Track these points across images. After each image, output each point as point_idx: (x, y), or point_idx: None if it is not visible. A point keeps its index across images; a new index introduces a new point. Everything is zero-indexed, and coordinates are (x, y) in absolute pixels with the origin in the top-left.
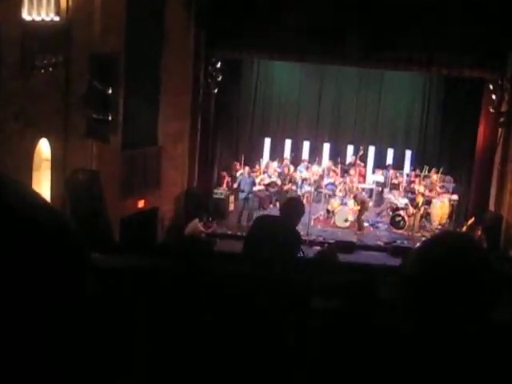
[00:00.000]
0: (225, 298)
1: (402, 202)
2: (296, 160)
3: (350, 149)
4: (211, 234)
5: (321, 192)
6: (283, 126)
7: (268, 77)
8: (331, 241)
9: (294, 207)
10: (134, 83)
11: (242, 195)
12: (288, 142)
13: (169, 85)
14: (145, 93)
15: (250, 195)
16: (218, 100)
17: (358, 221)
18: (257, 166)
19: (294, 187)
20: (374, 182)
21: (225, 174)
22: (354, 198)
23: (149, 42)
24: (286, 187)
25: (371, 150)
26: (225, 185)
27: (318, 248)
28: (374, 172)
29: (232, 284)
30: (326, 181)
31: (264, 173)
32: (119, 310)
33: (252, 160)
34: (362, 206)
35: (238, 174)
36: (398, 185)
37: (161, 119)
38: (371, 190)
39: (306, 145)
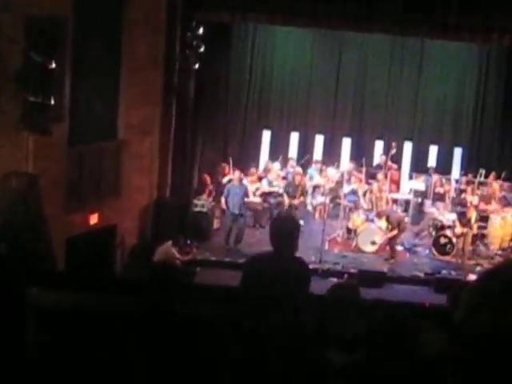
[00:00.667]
0: (204, 353)
1: (448, 217)
2: (305, 161)
3: (379, 145)
4: (189, 262)
5: (339, 204)
6: (288, 115)
7: (267, 48)
8: (352, 270)
9: (284, 231)
10: (85, 56)
11: (228, 214)
12: (294, 136)
13: (133, 59)
14: (100, 69)
15: (242, 210)
16: (200, 78)
17: (390, 244)
18: (252, 170)
19: (302, 198)
20: (411, 191)
21: (207, 178)
22: (387, 218)
23: (105, 2)
24: (295, 201)
25: (407, 147)
26: (207, 194)
27: (335, 280)
28: (411, 177)
29: (215, 332)
30: (345, 189)
31: (261, 179)
32: (63, 367)
33: (245, 161)
34: (398, 226)
35: (225, 180)
36: (444, 195)
37: (122, 104)
38: (407, 202)
39: (319, 140)
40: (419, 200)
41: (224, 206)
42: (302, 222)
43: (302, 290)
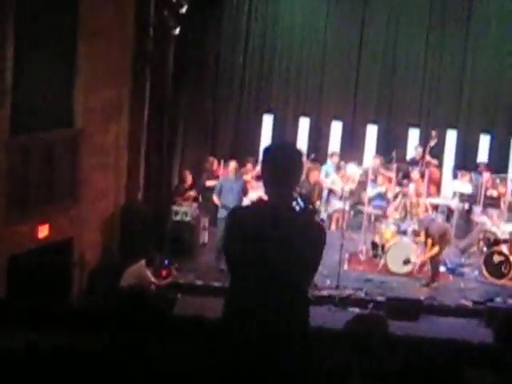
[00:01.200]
0: None
1: (504, 229)
2: (319, 154)
3: (414, 135)
4: (168, 287)
5: (361, 212)
6: (296, 96)
7: (269, 9)
8: (379, 298)
9: (282, 162)
10: (31, 22)
11: (222, 214)
12: (304, 123)
13: (93, 24)
14: (51, 38)
15: None
16: (181, 49)
17: (430, 263)
18: (248, 165)
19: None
20: (455, 195)
21: (188, 176)
22: (425, 230)
23: None
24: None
25: (451, 137)
26: (189, 197)
27: (356, 311)
28: (455, 176)
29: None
30: (370, 191)
31: (259, 178)
32: None
33: (240, 154)
34: (441, 240)
35: (207, 182)
36: (498, 199)
37: (79, 83)
38: (450, 209)
39: (336, 127)
40: (466, 206)
41: (218, 202)
42: None
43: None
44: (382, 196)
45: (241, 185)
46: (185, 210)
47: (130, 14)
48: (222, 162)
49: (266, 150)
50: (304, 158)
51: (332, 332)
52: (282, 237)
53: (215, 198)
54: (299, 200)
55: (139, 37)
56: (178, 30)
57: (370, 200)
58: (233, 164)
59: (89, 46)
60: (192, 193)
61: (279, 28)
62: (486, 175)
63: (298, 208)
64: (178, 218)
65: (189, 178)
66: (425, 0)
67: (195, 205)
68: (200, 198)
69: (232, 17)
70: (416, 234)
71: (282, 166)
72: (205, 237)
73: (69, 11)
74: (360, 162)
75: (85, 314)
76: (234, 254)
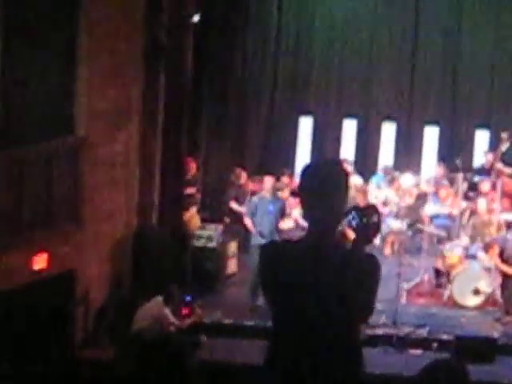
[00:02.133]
0: None
1: None
2: (367, 163)
3: (482, 137)
4: (190, 328)
5: (421, 231)
6: (339, 94)
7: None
8: (445, 337)
9: (323, 183)
10: (24, 13)
11: (256, 240)
12: (350, 125)
13: (96, 13)
14: (48, 31)
15: (277, 237)
16: (203, 40)
17: (503, 293)
18: (283, 178)
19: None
20: None
21: (192, 163)
22: (500, 253)
23: None
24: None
25: None
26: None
27: (418, 353)
28: None
29: None
30: (432, 208)
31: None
32: None
33: (273, 165)
34: None
35: (246, 195)
36: None
37: (81, 83)
38: None
39: (389, 130)
40: None
41: (251, 227)
42: None
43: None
44: (445, 213)
45: (279, 206)
46: (209, 233)
47: (139, 1)
48: (251, 174)
49: (305, 169)
50: (350, 168)
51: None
52: (327, 279)
53: (248, 222)
54: (354, 214)
55: (151, 26)
56: (197, 18)
57: (432, 218)
58: (269, 180)
59: (91, 38)
60: (191, 190)
61: (316, 13)
62: None
63: (354, 223)
64: (201, 243)
65: (192, 167)
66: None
67: (221, 227)
68: (226, 220)
69: (260, 4)
70: (487, 249)
71: (324, 190)
72: (233, 266)
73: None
74: (418, 172)
75: (90, 364)
76: (273, 298)
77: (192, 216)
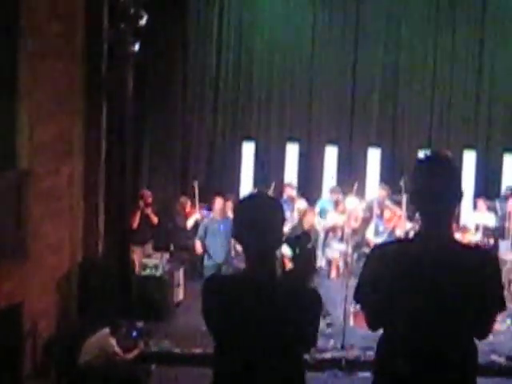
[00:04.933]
0: None
1: None
2: (310, 188)
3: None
4: (138, 359)
5: (366, 253)
6: (280, 118)
7: (244, 18)
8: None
9: (258, 220)
10: None
11: (209, 264)
12: (292, 150)
13: (36, 44)
14: None
15: (229, 258)
16: (142, 68)
17: None
18: (229, 204)
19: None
20: (477, 229)
21: (153, 217)
22: None
23: None
24: None
25: (469, 158)
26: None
27: (367, 376)
28: (475, 206)
29: None
30: (376, 230)
31: None
32: None
33: (217, 190)
34: None
35: (190, 222)
36: None
37: (22, 115)
38: None
39: (331, 153)
40: (491, 241)
41: (199, 250)
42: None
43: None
44: (390, 235)
45: (230, 225)
46: (155, 262)
47: (79, 30)
48: (196, 199)
49: (240, 204)
50: (294, 192)
51: None
52: (267, 316)
53: (197, 245)
54: (287, 245)
55: (92, 56)
56: (137, 46)
57: (377, 240)
58: (219, 202)
59: (32, 70)
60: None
61: (256, 37)
62: None
63: (289, 254)
64: (147, 272)
65: (152, 218)
66: (431, 3)
67: (166, 255)
68: (172, 247)
69: (199, 24)
70: None
71: (259, 225)
72: (180, 294)
73: (6, 27)
74: (362, 195)
75: None
76: (214, 331)
77: None
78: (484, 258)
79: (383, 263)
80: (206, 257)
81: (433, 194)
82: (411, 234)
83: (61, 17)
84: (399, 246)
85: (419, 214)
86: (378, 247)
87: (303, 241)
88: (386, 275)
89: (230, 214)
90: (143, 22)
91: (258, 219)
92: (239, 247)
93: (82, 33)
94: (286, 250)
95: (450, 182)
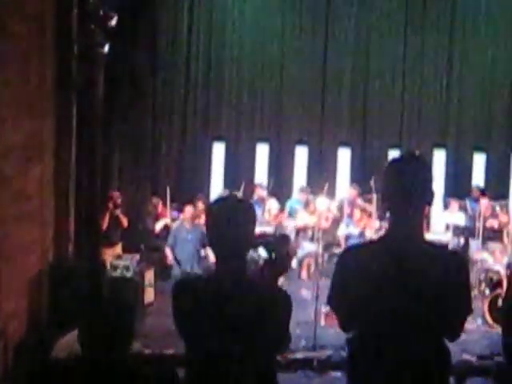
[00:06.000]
0: None
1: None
2: (281, 187)
3: (395, 155)
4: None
5: (337, 255)
6: (250, 118)
7: (214, 15)
8: None
9: (227, 219)
10: None
11: (176, 271)
12: (262, 150)
13: (4, 45)
14: None
15: (197, 266)
16: (113, 68)
17: None
18: (199, 204)
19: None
20: (448, 228)
21: (123, 218)
22: None
23: None
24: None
25: (438, 157)
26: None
27: (338, 375)
28: (446, 206)
29: None
30: (346, 229)
31: None
32: None
33: (187, 191)
34: None
35: (158, 225)
36: (500, 231)
37: None
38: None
39: (302, 153)
40: (462, 241)
41: (171, 261)
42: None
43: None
44: (361, 235)
45: (199, 234)
46: (125, 263)
47: (49, 31)
48: (168, 200)
49: (211, 207)
50: (265, 193)
51: None
52: (236, 320)
53: (167, 252)
54: (262, 249)
55: (62, 57)
56: (107, 48)
57: (347, 239)
58: (189, 210)
59: (1, 71)
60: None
61: (227, 43)
62: (484, 202)
63: (263, 257)
64: (118, 273)
65: (122, 220)
66: (401, 3)
67: (137, 256)
68: (142, 248)
69: (170, 30)
70: None
71: (230, 228)
72: (150, 295)
73: None
74: (332, 194)
75: None
76: (183, 331)
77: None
78: (453, 259)
79: (354, 267)
80: (174, 265)
81: (404, 193)
82: (381, 233)
83: (29, 17)
84: (369, 249)
85: (390, 213)
86: (348, 250)
87: (280, 244)
88: (357, 279)
89: (200, 220)
90: (113, 23)
91: (230, 222)
92: (210, 255)
93: (51, 33)
94: (262, 252)
95: (422, 182)
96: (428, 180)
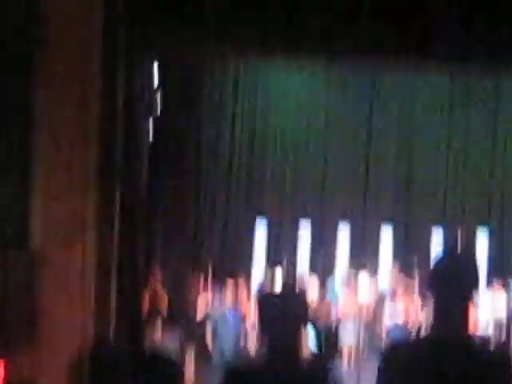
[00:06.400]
0: None
1: None
2: (324, 264)
3: (437, 235)
4: None
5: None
6: (293, 194)
7: (259, 95)
8: None
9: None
10: None
11: (218, 360)
12: (305, 226)
13: (51, 124)
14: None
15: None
16: (156, 148)
17: None
18: (241, 282)
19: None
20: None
21: (163, 295)
22: None
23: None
24: None
25: (483, 235)
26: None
27: None
28: (489, 286)
29: None
30: (389, 316)
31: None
32: None
33: (229, 268)
34: None
35: (203, 296)
36: None
37: (36, 192)
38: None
39: (344, 230)
40: (502, 337)
41: (210, 348)
42: None
43: None
44: (404, 324)
45: (238, 316)
46: (164, 341)
47: (94, 118)
48: (209, 277)
49: (263, 299)
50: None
51: None
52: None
53: (208, 341)
54: (312, 329)
55: (105, 144)
56: (151, 135)
57: (389, 332)
58: (230, 288)
59: (47, 161)
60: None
61: (270, 114)
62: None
63: (310, 342)
64: (157, 351)
65: (161, 297)
66: (444, 82)
67: (176, 334)
68: (181, 324)
69: (212, 101)
70: None
71: (286, 322)
72: (190, 376)
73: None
74: (374, 272)
75: None
76: None
77: None
78: (498, 359)
79: (397, 370)
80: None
81: (449, 286)
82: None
83: (75, 106)
84: (412, 349)
85: (434, 304)
86: (390, 351)
87: (328, 326)
88: (401, 380)
89: (241, 298)
90: (158, 111)
91: (284, 317)
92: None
93: (95, 120)
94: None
95: (469, 276)
96: (474, 274)
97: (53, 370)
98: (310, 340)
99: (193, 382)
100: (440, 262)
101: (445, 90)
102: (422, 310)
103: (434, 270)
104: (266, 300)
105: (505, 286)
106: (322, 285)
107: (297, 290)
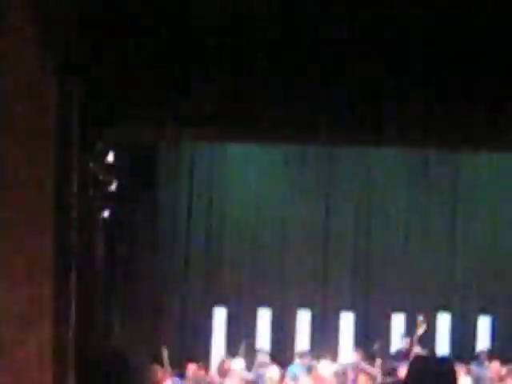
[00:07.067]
0: None
1: None
2: (284, 354)
3: (398, 321)
4: None
5: None
6: (252, 283)
7: (216, 181)
8: None
9: None
10: None
11: None
12: (264, 315)
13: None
14: None
15: None
16: (112, 234)
17: None
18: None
19: None
20: None
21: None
22: None
23: None
24: None
25: (443, 321)
26: None
27: None
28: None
29: None
30: None
31: None
32: None
33: (188, 357)
34: None
35: None
36: None
37: None
38: None
39: (304, 318)
40: None
41: None
42: None
43: None
44: None
45: None
46: None
47: (49, 195)
48: (167, 365)
49: None
50: (266, 358)
51: None
52: None
53: None
54: None
55: (60, 226)
56: (106, 213)
57: None
58: (191, 368)
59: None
60: None
61: (228, 200)
62: (493, 365)
63: None
64: None
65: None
66: (403, 166)
67: None
68: None
69: (169, 187)
70: None
71: None
72: None
73: None
74: (335, 359)
75: None
76: None
77: None
78: None
79: None
80: None
81: None
82: None
83: (27, 184)
84: None
85: None
86: None
87: None
88: None
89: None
90: (113, 187)
91: None
92: None
93: (51, 203)
94: None
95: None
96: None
97: None
98: None
99: None
100: (416, 363)
101: (403, 166)
102: None
103: (410, 370)
104: None
105: (468, 371)
106: (283, 374)
107: None
